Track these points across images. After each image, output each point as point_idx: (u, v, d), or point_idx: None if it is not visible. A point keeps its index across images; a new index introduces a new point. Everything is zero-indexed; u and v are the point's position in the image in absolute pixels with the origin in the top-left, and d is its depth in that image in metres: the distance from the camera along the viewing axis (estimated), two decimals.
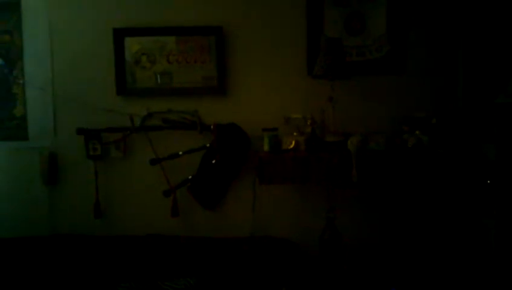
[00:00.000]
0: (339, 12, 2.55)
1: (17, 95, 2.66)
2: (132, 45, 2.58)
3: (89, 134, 2.56)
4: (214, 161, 2.54)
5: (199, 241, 2.46)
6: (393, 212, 2.58)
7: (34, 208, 2.66)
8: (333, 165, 2.26)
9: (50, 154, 2.62)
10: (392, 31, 2.54)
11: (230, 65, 2.60)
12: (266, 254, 2.37)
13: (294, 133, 2.38)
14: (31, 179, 2.64)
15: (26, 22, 2.63)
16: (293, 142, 2.35)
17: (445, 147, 2.31)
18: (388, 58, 2.55)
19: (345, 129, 2.39)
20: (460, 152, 2.28)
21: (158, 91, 2.60)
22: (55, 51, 2.63)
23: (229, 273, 2.29)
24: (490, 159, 2.17)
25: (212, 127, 2.54)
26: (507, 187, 2.08)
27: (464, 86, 2.52)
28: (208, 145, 2.55)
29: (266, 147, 2.37)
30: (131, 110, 2.59)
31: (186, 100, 2.60)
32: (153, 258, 2.39)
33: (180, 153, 2.53)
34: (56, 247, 2.44)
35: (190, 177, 2.56)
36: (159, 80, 2.59)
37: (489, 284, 2.17)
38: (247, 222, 2.57)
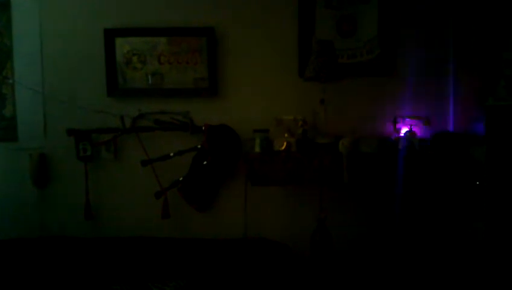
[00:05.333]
0: (331, 14, 2.55)
1: (7, 95, 2.64)
2: (123, 46, 2.57)
3: (79, 135, 2.54)
4: (205, 162, 2.53)
5: (190, 242, 2.46)
6: (384, 214, 2.59)
7: (24, 210, 2.64)
8: (324, 167, 2.27)
9: (40, 156, 2.60)
10: (383, 33, 2.55)
11: (221, 66, 2.59)
12: (258, 256, 2.36)
13: (286, 135, 2.39)
14: (20, 181, 2.62)
15: (16, 22, 2.61)
16: (285, 144, 2.35)
17: (436, 149, 2.32)
18: (379, 60, 2.56)
19: (337, 131, 2.40)
20: (450, 154, 2.29)
21: (149, 92, 2.59)
22: (45, 52, 2.62)
23: (220, 275, 2.28)
24: (479, 160, 2.18)
25: (203, 128, 2.53)
26: (496, 189, 2.10)
27: (454, 87, 2.54)
28: (199, 146, 2.54)
29: (257, 149, 2.37)
30: (122, 111, 2.58)
31: (178, 101, 2.59)
32: (144, 260, 2.37)
33: (172, 154, 2.52)
34: (46, 249, 2.42)
35: (181, 178, 2.55)
36: (150, 81, 2.58)
37: (479, 285, 2.18)
38: (238, 223, 2.57)
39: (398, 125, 2.44)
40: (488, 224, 2.13)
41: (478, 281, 2.17)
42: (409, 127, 2.40)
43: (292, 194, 2.60)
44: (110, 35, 2.56)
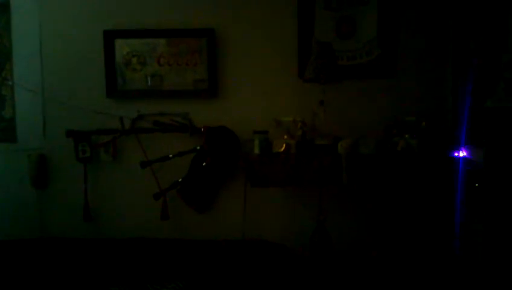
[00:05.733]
0: (330, 15, 2.55)
1: (6, 96, 2.64)
2: (122, 47, 2.57)
3: (78, 136, 2.54)
4: (204, 164, 2.53)
5: (189, 244, 2.46)
6: (382, 215, 2.59)
7: (23, 211, 2.64)
8: (324, 168, 2.27)
9: (39, 157, 2.60)
10: (382, 34, 2.55)
11: (221, 68, 2.59)
12: (257, 257, 2.36)
13: (285, 136, 2.38)
14: (19, 182, 2.62)
15: (15, 23, 2.61)
16: (284, 145, 2.35)
17: (435, 151, 2.32)
18: (379, 61, 2.56)
19: (336, 132, 2.39)
20: (450, 156, 2.30)
21: (149, 93, 2.59)
22: (44, 53, 2.62)
23: (219, 277, 2.28)
24: (478, 162, 2.18)
25: (202, 129, 2.53)
26: (495, 190, 2.10)
27: (454, 89, 2.54)
28: (198, 147, 2.54)
29: (257, 150, 2.37)
30: (122, 113, 2.58)
31: (177, 102, 2.59)
32: (143, 262, 2.37)
33: (171, 155, 2.52)
34: (45, 250, 2.42)
35: (180, 180, 2.55)
36: (149, 82, 2.58)
37: (478, 286, 2.18)
38: (237, 224, 2.57)
39: (397, 127, 2.44)
40: (487, 226, 2.14)
41: (478, 282, 2.17)
42: (408, 128, 2.40)
43: (291, 195, 2.60)
44: (110, 36, 2.56)
